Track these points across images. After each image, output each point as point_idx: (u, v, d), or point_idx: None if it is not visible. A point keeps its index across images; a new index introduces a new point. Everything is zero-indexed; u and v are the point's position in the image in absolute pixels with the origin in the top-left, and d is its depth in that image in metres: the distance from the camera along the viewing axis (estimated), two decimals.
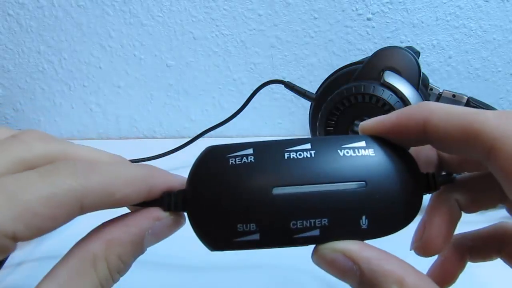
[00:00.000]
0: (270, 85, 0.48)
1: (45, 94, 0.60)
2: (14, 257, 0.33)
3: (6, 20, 0.56)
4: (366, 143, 0.17)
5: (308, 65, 0.59)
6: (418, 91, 0.38)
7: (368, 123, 0.18)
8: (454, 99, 0.47)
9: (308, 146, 0.17)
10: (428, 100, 0.40)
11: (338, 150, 0.17)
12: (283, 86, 0.46)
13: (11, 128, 0.18)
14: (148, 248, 0.17)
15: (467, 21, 0.57)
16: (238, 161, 0.17)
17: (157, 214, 0.17)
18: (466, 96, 0.47)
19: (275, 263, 0.32)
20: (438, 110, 0.16)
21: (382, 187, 0.17)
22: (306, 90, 0.45)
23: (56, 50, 0.58)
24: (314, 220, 0.16)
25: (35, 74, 0.59)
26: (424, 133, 0.17)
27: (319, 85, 0.45)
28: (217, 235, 0.17)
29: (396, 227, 0.17)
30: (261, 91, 0.48)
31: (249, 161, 0.17)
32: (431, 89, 0.48)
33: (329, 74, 0.45)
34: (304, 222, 0.16)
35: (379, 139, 0.18)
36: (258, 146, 0.17)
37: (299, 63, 0.59)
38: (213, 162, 0.17)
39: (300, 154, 0.17)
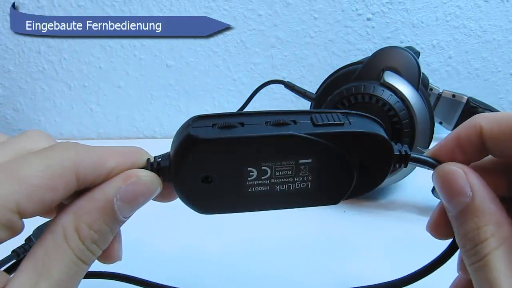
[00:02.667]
0: (270, 85, 0.48)
1: (45, 94, 0.60)
2: None
3: (6, 20, 0.56)
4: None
5: (308, 65, 0.59)
6: (418, 91, 0.38)
7: (433, 148, 0.19)
8: (454, 99, 0.47)
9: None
10: (428, 99, 0.40)
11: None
12: (283, 86, 0.46)
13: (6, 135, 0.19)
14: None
15: (467, 21, 0.57)
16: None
17: (127, 175, 0.17)
18: (466, 96, 0.47)
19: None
20: (490, 117, 0.18)
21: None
22: (306, 90, 0.45)
23: (56, 50, 0.58)
24: None
25: (35, 74, 0.59)
26: (482, 141, 0.18)
27: (319, 85, 0.45)
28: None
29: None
30: (261, 91, 0.48)
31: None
32: (431, 89, 0.48)
33: (329, 74, 0.45)
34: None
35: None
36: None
37: (299, 63, 0.59)
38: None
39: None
